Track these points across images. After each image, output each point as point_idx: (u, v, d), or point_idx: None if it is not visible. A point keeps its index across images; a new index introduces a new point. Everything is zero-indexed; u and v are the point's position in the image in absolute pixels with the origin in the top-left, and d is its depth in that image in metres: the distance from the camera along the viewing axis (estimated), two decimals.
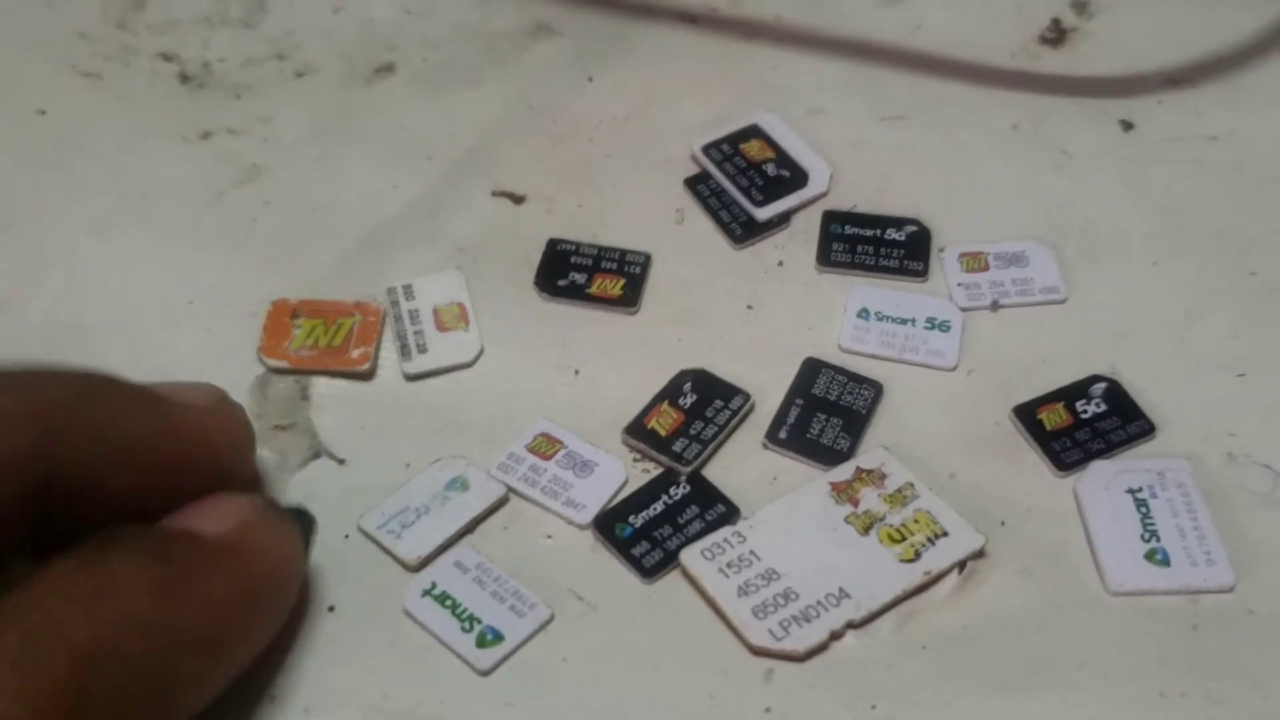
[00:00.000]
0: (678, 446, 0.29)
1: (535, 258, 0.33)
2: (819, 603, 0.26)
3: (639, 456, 0.29)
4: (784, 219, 0.33)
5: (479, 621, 0.26)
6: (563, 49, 0.38)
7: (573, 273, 0.32)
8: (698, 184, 0.34)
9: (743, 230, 0.33)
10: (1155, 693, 0.25)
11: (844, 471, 0.28)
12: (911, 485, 0.28)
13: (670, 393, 0.30)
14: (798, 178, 0.34)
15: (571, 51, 0.38)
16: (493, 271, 0.33)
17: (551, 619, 0.26)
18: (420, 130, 0.36)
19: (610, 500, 0.28)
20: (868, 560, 0.27)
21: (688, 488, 0.28)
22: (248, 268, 0.33)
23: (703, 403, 0.30)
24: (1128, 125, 0.36)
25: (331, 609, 0.27)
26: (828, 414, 0.29)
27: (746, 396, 0.30)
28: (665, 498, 0.28)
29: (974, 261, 0.32)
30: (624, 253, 0.33)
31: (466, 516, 0.28)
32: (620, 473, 0.29)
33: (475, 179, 0.35)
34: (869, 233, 0.33)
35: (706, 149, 0.35)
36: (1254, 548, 0.27)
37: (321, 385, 0.31)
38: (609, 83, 0.37)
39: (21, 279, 0.33)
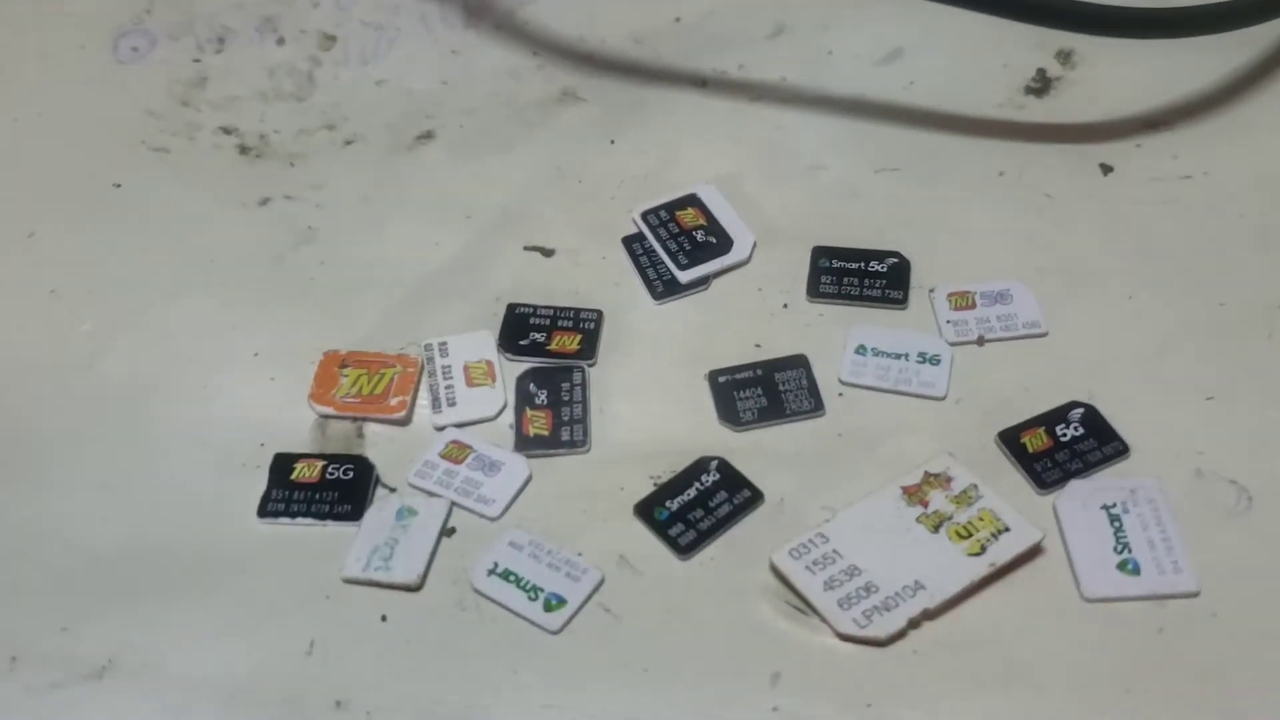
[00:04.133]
0: (564, 436, 0.33)
1: (565, 304, 0.36)
2: (897, 594, 0.29)
3: (543, 455, 0.33)
4: (704, 281, 0.36)
5: (542, 590, 0.30)
6: (587, 114, 0.42)
7: (533, 333, 0.35)
8: (633, 243, 0.37)
9: (665, 288, 0.36)
10: (1122, 690, 0.28)
11: (914, 476, 0.32)
12: (975, 487, 0.31)
13: (526, 399, 0.34)
14: (723, 244, 0.37)
15: (595, 116, 0.41)
16: None
17: (603, 580, 0.30)
18: (458, 192, 0.40)
19: (517, 494, 0.32)
20: (938, 555, 0.30)
21: (717, 475, 0.32)
22: (307, 322, 0.36)
23: (554, 394, 0.34)
24: (1107, 168, 0.39)
25: (384, 618, 0.30)
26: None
27: (582, 369, 0.34)
28: (698, 484, 0.32)
29: (962, 300, 0.35)
30: (578, 310, 0.36)
31: (434, 531, 0.31)
32: (524, 469, 0.32)
33: (509, 235, 0.38)
34: (854, 265, 0.36)
35: (645, 214, 0.38)
36: (1219, 556, 0.30)
37: (374, 425, 0.34)
38: (629, 144, 0.40)
39: (107, 338, 0.36)
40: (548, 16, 0.45)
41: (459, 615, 0.30)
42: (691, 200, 0.38)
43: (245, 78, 0.44)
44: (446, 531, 0.32)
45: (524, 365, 0.35)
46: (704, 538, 0.31)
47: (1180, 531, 0.30)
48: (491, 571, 0.30)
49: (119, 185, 0.41)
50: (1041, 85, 0.41)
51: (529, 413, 0.34)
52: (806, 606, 0.30)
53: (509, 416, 0.34)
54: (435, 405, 0.34)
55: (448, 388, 0.34)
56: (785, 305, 0.36)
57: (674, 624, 0.30)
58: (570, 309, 0.36)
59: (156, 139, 0.42)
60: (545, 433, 0.33)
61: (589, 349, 0.35)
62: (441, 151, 0.41)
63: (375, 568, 0.31)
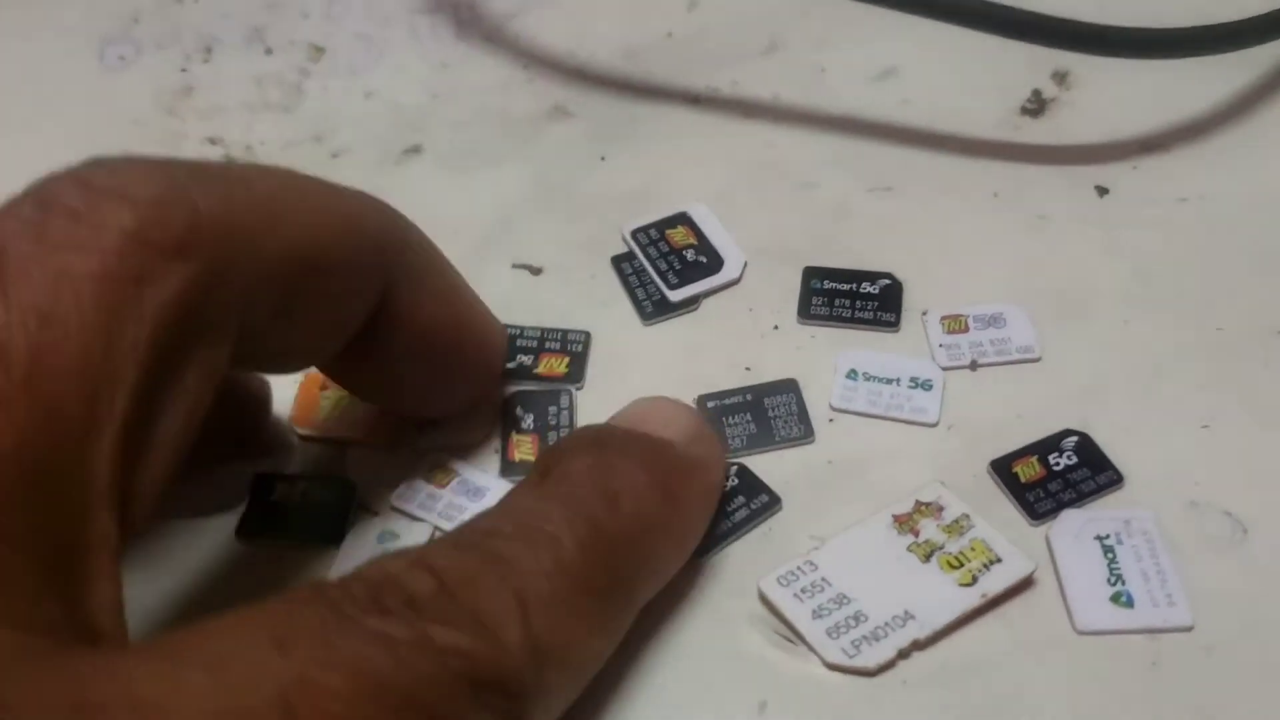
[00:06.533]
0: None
1: (553, 324, 0.36)
2: (886, 624, 0.29)
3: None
4: (694, 301, 0.36)
5: None
6: (577, 130, 0.41)
7: (520, 355, 0.35)
8: (622, 263, 0.37)
9: (654, 308, 0.36)
10: None
11: (905, 504, 0.31)
12: (967, 516, 0.31)
13: (512, 423, 0.33)
14: (714, 264, 0.37)
15: (585, 132, 0.41)
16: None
17: None
18: (446, 207, 0.39)
19: None
20: (929, 585, 0.29)
21: (735, 480, 0.32)
22: None
23: (540, 418, 0.33)
24: (1103, 190, 0.38)
25: None
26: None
27: (569, 393, 0.34)
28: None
29: (955, 323, 0.35)
30: (565, 332, 0.35)
31: None
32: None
33: (497, 253, 0.38)
34: (845, 287, 0.36)
35: (635, 233, 0.37)
36: (1213, 589, 0.30)
37: (357, 447, 0.33)
38: (620, 161, 0.40)
39: None
40: (539, 30, 0.44)
41: None
42: (682, 219, 0.38)
43: (232, 88, 0.43)
44: None
45: (511, 389, 0.34)
46: (719, 541, 0.31)
47: (1174, 564, 0.30)
48: None
49: None
50: (1037, 106, 0.41)
51: (515, 437, 0.33)
52: (794, 635, 0.29)
53: (495, 440, 0.33)
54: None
55: None
56: (776, 327, 0.35)
57: (658, 652, 0.29)
58: (558, 330, 0.35)
59: (141, 148, 0.41)
60: (531, 458, 0.33)
61: (577, 371, 0.35)
62: (429, 166, 0.41)
63: None
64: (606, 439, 0.28)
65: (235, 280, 0.23)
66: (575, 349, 0.35)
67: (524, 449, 0.33)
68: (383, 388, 0.31)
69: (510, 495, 0.26)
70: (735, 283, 0.36)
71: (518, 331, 0.35)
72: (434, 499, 0.32)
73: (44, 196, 0.22)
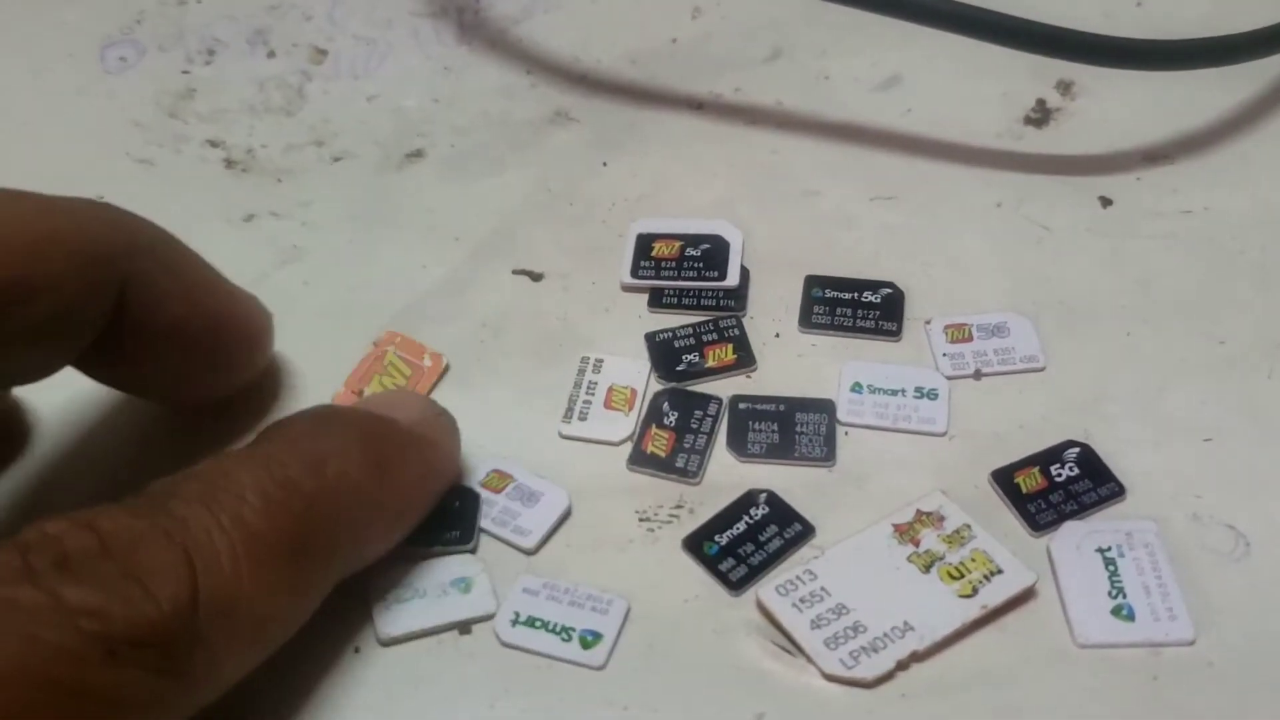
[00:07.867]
0: (679, 462, 0.32)
1: (552, 331, 0.35)
2: (885, 635, 0.29)
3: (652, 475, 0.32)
4: (746, 275, 0.36)
5: (574, 630, 0.29)
6: (580, 135, 0.41)
7: (684, 355, 0.34)
8: (662, 299, 0.36)
9: (734, 302, 0.36)
10: None
11: (905, 514, 0.31)
12: (968, 526, 0.31)
13: (655, 417, 0.33)
14: (718, 242, 0.37)
15: (588, 138, 0.41)
16: (512, 345, 0.35)
17: (631, 609, 0.30)
18: (447, 212, 0.39)
19: (555, 525, 0.31)
20: (929, 596, 0.29)
21: (766, 508, 0.31)
22: (289, 347, 0.36)
23: (684, 418, 0.33)
24: (1106, 201, 0.38)
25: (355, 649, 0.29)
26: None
27: (720, 401, 0.33)
28: (746, 518, 0.31)
29: (958, 332, 0.35)
30: (716, 320, 0.35)
31: (452, 618, 0.29)
32: (564, 500, 0.31)
33: (498, 258, 0.38)
34: (847, 296, 0.36)
35: (634, 273, 0.36)
36: (1215, 604, 0.29)
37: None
38: (622, 167, 0.40)
39: None
40: (542, 35, 0.44)
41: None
42: (643, 240, 0.37)
43: (234, 90, 0.43)
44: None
45: (668, 386, 0.34)
46: (755, 573, 0.30)
47: (1176, 577, 0.30)
48: (515, 621, 0.29)
49: (101, 197, 0.40)
50: (1041, 115, 0.41)
51: (653, 430, 0.33)
52: (793, 645, 0.29)
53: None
54: (568, 414, 0.33)
55: (585, 403, 0.33)
56: (777, 335, 0.35)
57: (656, 662, 0.29)
58: (707, 321, 0.35)
59: (142, 150, 0.42)
60: (663, 453, 0.32)
61: (746, 355, 0.34)
62: (431, 171, 0.40)
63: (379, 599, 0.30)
64: (329, 412, 0.29)
65: None
66: (733, 333, 0.35)
67: (658, 443, 0.33)
68: (143, 383, 0.32)
69: (213, 458, 0.26)
70: (741, 246, 0.37)
71: (670, 334, 0.35)
72: (489, 504, 0.31)
73: None
